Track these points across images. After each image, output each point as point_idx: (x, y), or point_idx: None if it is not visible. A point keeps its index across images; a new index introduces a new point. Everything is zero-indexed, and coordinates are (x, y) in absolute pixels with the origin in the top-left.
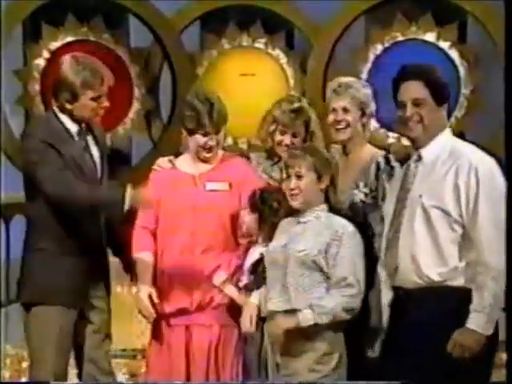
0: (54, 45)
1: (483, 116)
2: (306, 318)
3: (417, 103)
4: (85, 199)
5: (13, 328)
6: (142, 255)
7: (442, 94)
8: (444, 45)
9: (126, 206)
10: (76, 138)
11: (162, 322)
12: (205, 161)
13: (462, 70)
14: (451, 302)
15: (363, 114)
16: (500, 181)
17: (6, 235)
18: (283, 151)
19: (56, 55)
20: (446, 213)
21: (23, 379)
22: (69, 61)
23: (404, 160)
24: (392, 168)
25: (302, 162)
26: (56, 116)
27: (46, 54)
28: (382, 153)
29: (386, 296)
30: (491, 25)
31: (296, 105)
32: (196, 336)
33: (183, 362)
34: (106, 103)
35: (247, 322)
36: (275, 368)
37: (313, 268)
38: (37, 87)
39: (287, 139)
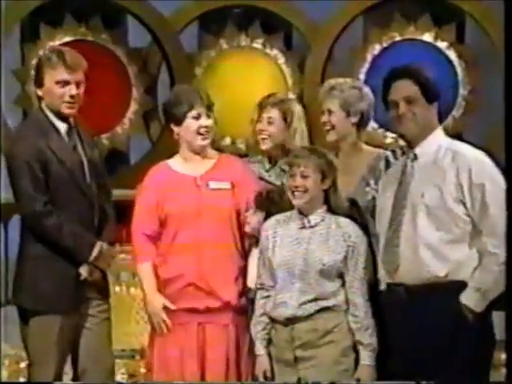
0: (52, 45)
1: (481, 116)
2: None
3: (409, 100)
4: (52, 234)
5: (11, 328)
6: (147, 266)
7: (431, 91)
8: (442, 45)
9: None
10: (65, 139)
11: (171, 319)
12: (199, 153)
13: (459, 71)
14: (454, 297)
15: (348, 114)
16: (499, 175)
17: (5, 235)
18: (261, 140)
19: None
20: (450, 211)
21: (21, 379)
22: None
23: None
24: None
25: (308, 162)
26: (43, 112)
27: None
28: (384, 150)
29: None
30: (489, 25)
31: (279, 96)
32: (210, 336)
33: (196, 362)
34: (75, 91)
35: (261, 377)
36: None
37: (335, 276)
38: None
39: (262, 125)
